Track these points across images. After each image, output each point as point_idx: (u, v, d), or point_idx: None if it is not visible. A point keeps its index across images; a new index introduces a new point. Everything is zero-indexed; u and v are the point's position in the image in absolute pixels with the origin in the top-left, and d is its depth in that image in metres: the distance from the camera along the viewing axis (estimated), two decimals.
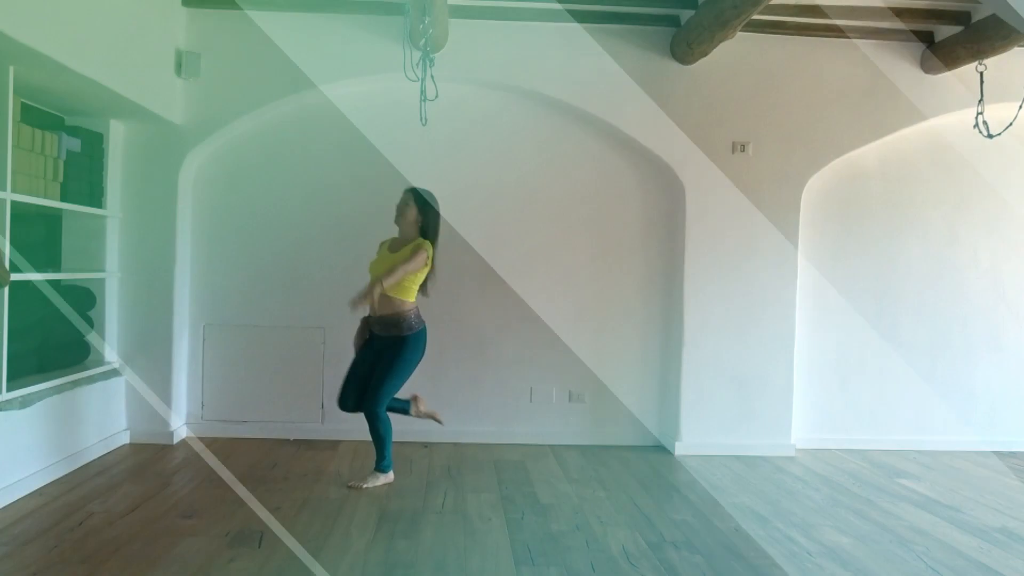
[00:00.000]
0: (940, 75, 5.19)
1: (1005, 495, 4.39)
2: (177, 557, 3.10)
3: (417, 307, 4.19)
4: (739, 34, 4.75)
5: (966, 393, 5.49)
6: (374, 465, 4.23)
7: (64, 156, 4.30)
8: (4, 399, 3.69)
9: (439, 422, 4.55)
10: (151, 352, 4.95)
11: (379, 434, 4.15)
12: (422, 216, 4.16)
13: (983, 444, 5.42)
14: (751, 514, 3.89)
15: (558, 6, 4.85)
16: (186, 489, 4.02)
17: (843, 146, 5.23)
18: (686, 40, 4.85)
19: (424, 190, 4.24)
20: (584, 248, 5.34)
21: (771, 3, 4.24)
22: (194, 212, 5.18)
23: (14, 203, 3.78)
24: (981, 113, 4.86)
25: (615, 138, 5.29)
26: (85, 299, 4.68)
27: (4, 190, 3.69)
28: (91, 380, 4.50)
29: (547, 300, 5.32)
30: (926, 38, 5.15)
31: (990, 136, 4.80)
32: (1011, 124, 4.71)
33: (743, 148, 5.16)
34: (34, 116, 4.28)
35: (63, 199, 4.31)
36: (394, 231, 4.28)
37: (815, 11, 4.76)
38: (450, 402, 5.28)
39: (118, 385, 4.85)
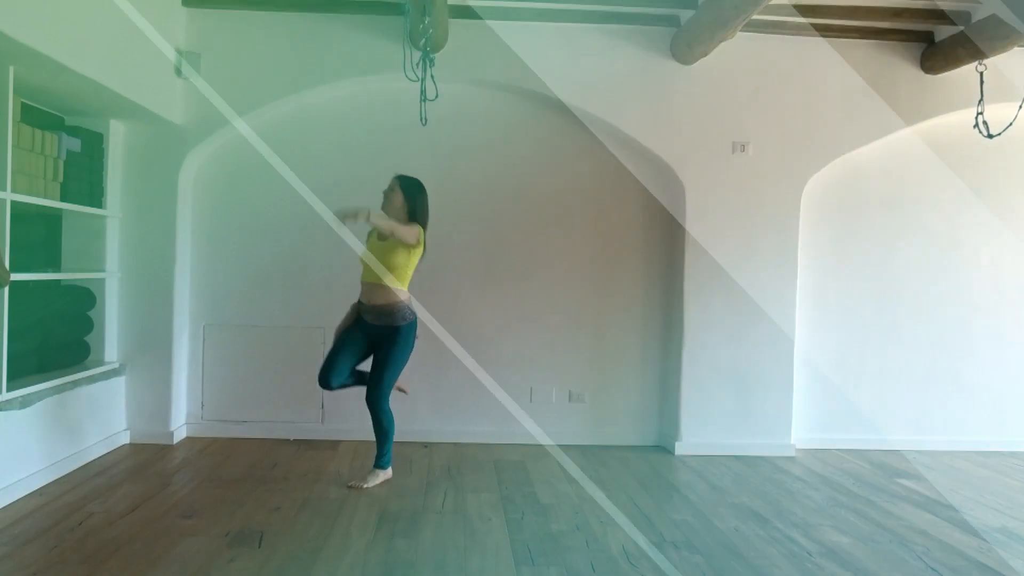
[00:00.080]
0: (940, 75, 5.19)
1: (1005, 495, 4.39)
2: (177, 557, 3.09)
3: (410, 297, 4.18)
4: (739, 34, 4.75)
5: (966, 393, 5.49)
6: (373, 463, 4.23)
7: (64, 156, 4.30)
8: (4, 399, 3.69)
9: (404, 392, 4.48)
10: (151, 352, 4.95)
11: (383, 428, 4.15)
12: (409, 201, 4.13)
13: (983, 444, 5.42)
14: (751, 514, 3.89)
15: (558, 6, 4.86)
16: (186, 489, 4.02)
17: (843, 146, 5.23)
18: (686, 40, 4.85)
19: (411, 176, 4.21)
20: (584, 248, 5.34)
21: (771, 3, 4.24)
22: (194, 212, 5.19)
23: (14, 203, 3.78)
24: (981, 113, 4.86)
25: (615, 138, 5.29)
26: (85, 299, 4.68)
27: (4, 190, 3.69)
28: (91, 380, 4.49)
29: (547, 300, 5.32)
30: (926, 38, 5.16)
31: (990, 136, 4.80)
32: (1011, 124, 4.72)
33: (743, 148, 5.16)
34: (34, 116, 4.28)
35: (63, 199, 4.31)
36: None
37: (815, 11, 4.76)
38: (450, 402, 5.29)
39: (118, 385, 4.85)
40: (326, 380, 4.15)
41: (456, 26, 4.83)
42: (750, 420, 5.17)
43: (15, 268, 3.79)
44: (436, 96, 4.32)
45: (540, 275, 5.32)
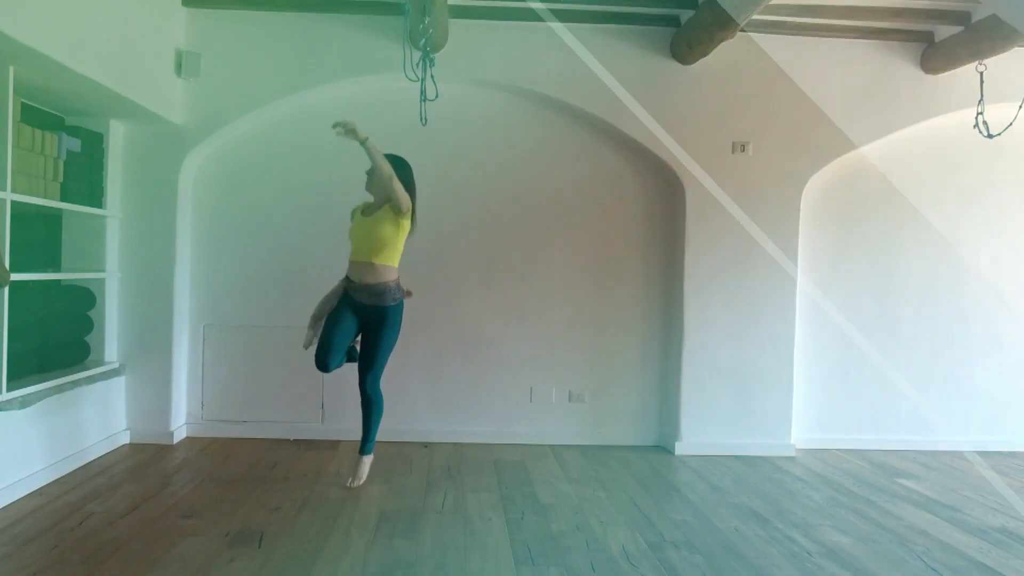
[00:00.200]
0: (940, 75, 5.19)
1: (1005, 495, 4.39)
2: (177, 557, 3.10)
3: (399, 276, 4.11)
4: (739, 34, 4.75)
5: (966, 393, 5.50)
6: (361, 450, 4.19)
7: (64, 156, 4.30)
8: (4, 399, 3.69)
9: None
10: (151, 352, 4.95)
11: (378, 411, 4.13)
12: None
13: (983, 444, 5.42)
14: (751, 514, 3.89)
15: (558, 6, 4.86)
16: (186, 489, 4.02)
17: (843, 146, 5.23)
18: (686, 40, 4.85)
19: (392, 153, 4.07)
20: (584, 248, 5.34)
21: (771, 3, 4.24)
22: (194, 212, 5.19)
23: (14, 203, 3.78)
24: (981, 113, 4.86)
25: (615, 138, 5.29)
26: (85, 299, 4.68)
27: (4, 190, 3.69)
28: (91, 380, 4.49)
29: (547, 300, 5.32)
30: (926, 38, 5.16)
31: (990, 136, 4.80)
32: (1011, 124, 4.72)
33: (743, 148, 5.16)
34: (34, 116, 4.28)
35: (63, 199, 4.31)
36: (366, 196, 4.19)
37: (815, 11, 4.76)
38: (450, 402, 5.29)
39: (118, 385, 4.85)
40: (325, 364, 4.05)
41: (456, 26, 4.84)
42: (750, 420, 5.17)
43: (15, 268, 3.79)
44: (436, 96, 4.31)
45: (540, 275, 5.32)
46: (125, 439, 4.89)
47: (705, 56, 4.94)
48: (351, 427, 4.99)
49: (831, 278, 5.41)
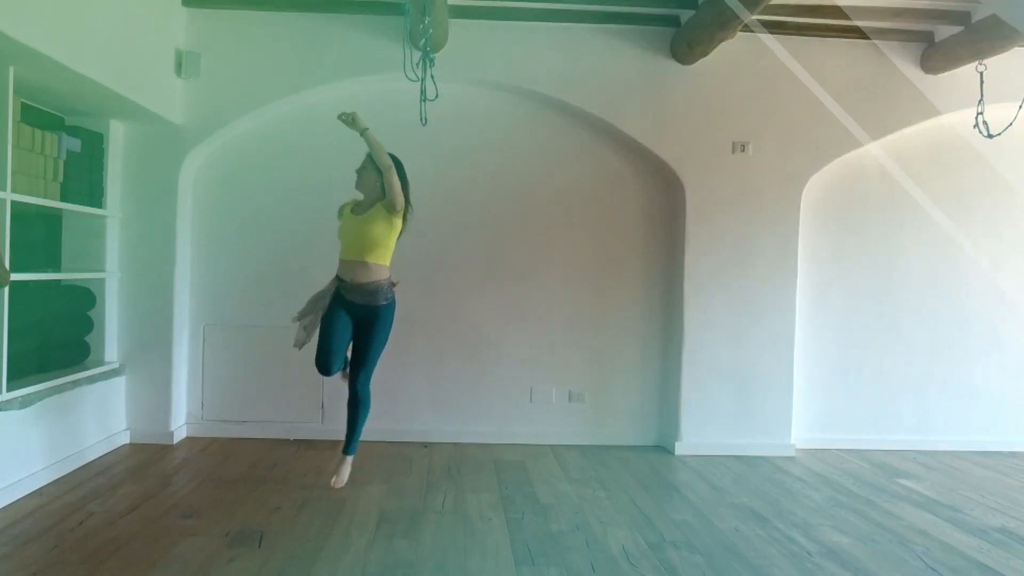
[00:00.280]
0: (940, 75, 5.19)
1: (1005, 495, 4.39)
2: (177, 557, 3.10)
3: (391, 275, 4.10)
4: (739, 34, 4.75)
5: (966, 393, 5.50)
6: (344, 450, 4.16)
7: (64, 156, 4.30)
8: (4, 399, 3.69)
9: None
10: (151, 352, 4.95)
11: (365, 411, 4.11)
12: (382, 176, 3.99)
13: (983, 444, 5.42)
14: (751, 514, 3.89)
15: (558, 6, 4.86)
16: (186, 489, 4.01)
17: (843, 146, 5.23)
18: (686, 40, 4.85)
19: (389, 153, 4.06)
20: (584, 248, 5.34)
21: (771, 3, 4.24)
22: (194, 212, 5.19)
23: (14, 203, 3.78)
24: (981, 113, 4.86)
25: (615, 138, 5.29)
26: (85, 299, 4.68)
27: (4, 190, 3.69)
28: (91, 380, 4.49)
29: (547, 300, 5.32)
30: (926, 38, 5.15)
31: (990, 136, 4.80)
32: (1011, 124, 4.72)
33: (743, 148, 5.16)
34: (34, 116, 4.28)
35: (63, 199, 4.31)
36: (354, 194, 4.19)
37: (815, 11, 4.76)
38: (450, 402, 5.29)
39: (118, 385, 4.85)
40: (327, 369, 4.06)
41: (456, 26, 4.83)
42: (750, 420, 5.17)
43: (15, 268, 3.79)
44: (436, 96, 4.31)
45: (540, 275, 5.32)
46: (125, 439, 4.89)
47: (705, 56, 4.94)
48: None
49: (831, 278, 5.41)
